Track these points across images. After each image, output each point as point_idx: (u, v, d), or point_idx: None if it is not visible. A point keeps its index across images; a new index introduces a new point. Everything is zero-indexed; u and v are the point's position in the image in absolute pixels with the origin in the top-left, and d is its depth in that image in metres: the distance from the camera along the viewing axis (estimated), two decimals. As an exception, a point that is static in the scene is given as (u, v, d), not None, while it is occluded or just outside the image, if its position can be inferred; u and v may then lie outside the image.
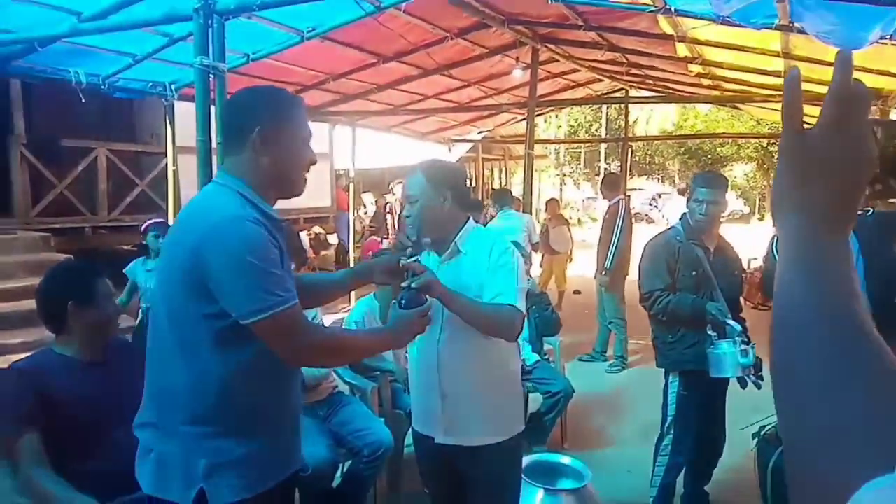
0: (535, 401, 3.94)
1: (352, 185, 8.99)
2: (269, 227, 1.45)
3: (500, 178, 19.14)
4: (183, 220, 1.54)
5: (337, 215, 11.12)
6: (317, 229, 10.77)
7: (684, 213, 2.97)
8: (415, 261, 1.82)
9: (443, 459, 2.11)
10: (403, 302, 1.73)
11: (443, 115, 8.86)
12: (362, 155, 9.12)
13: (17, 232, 6.59)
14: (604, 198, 6.27)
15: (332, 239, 11.36)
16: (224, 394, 1.43)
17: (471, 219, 2.09)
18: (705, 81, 7.12)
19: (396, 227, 9.32)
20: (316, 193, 10.58)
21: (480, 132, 10.77)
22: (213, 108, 2.79)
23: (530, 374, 3.88)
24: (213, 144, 2.81)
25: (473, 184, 18.20)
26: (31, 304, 5.37)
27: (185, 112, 6.04)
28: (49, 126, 7.53)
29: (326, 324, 3.27)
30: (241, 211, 1.43)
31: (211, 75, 2.73)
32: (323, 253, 10.68)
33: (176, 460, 1.45)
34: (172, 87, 5.70)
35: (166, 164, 6.54)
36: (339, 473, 2.96)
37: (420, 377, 2.12)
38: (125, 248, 7.81)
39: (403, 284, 1.77)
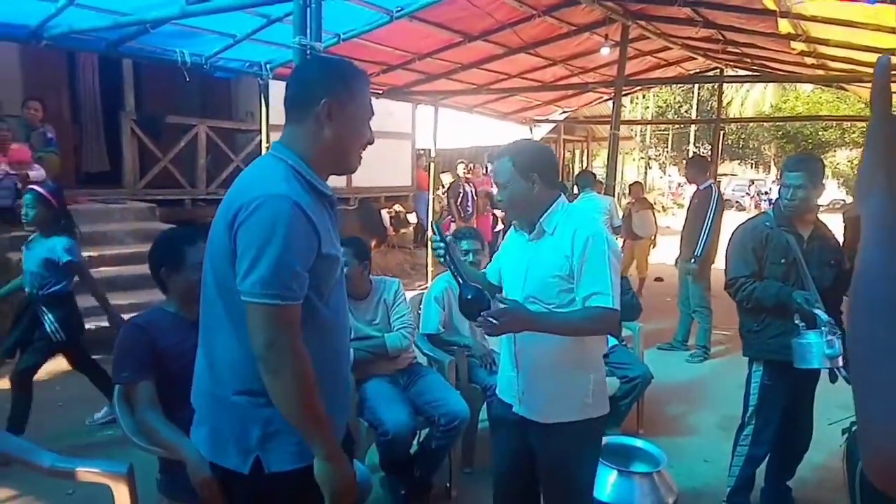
0: (612, 385, 3.91)
1: (432, 165, 9.09)
2: (314, 205, 1.42)
3: (582, 160, 18.77)
4: (232, 190, 1.48)
5: (416, 195, 11.30)
6: (397, 207, 10.99)
7: (777, 199, 2.85)
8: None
9: (516, 430, 2.15)
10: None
11: (525, 95, 8.76)
12: (443, 135, 9.19)
13: (126, 202, 7.15)
14: (689, 182, 6.04)
15: (412, 218, 11.56)
16: None
17: (561, 198, 2.09)
18: (808, 60, 6.68)
19: (458, 209, 9.40)
20: (397, 172, 10.80)
21: (563, 112, 10.57)
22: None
23: (607, 357, 3.83)
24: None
25: (554, 165, 17.94)
26: (139, 268, 5.87)
27: (279, 91, 6.33)
28: (155, 104, 8.07)
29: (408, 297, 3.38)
30: (285, 189, 1.38)
31: (308, 55, 2.85)
32: (402, 231, 10.89)
33: (231, 429, 1.47)
34: (268, 66, 5.96)
35: (260, 141, 6.87)
36: (415, 441, 3.07)
37: (503, 347, 2.18)
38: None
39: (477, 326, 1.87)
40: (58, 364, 4.89)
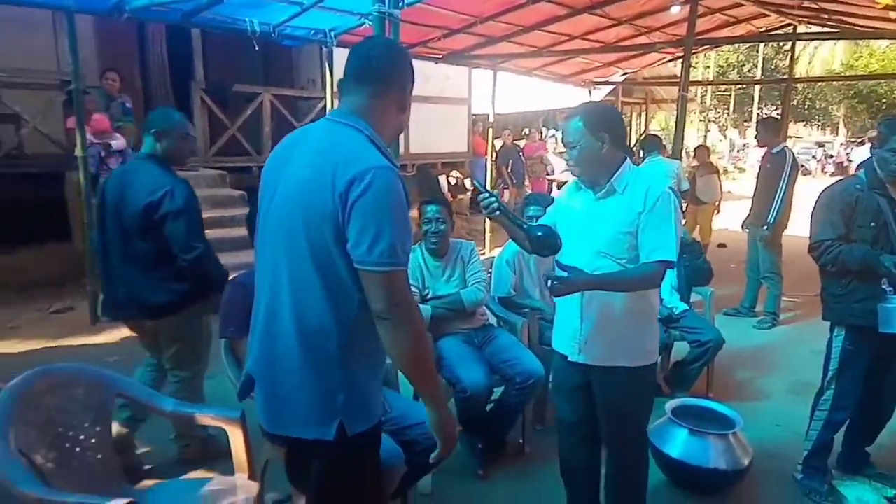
0: (682, 349, 3.93)
1: (490, 130, 9.05)
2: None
3: (640, 122, 18.27)
4: (325, 157, 1.47)
5: (473, 160, 11.30)
6: (455, 173, 11.03)
7: (868, 160, 2.76)
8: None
9: (576, 377, 2.30)
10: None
11: (586, 57, 8.58)
12: (500, 99, 9.11)
13: (199, 169, 7.42)
14: (760, 145, 5.83)
15: (469, 184, 11.58)
16: (363, 331, 1.48)
17: (628, 159, 2.18)
18: (893, 14, 6.29)
19: (509, 176, 9.37)
20: (453, 138, 10.80)
21: (623, 74, 10.30)
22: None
23: (678, 322, 3.86)
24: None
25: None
26: (216, 232, 6.11)
27: (342, 58, 6.42)
28: (222, 73, 8.27)
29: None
30: (385, 159, 1.46)
31: (386, 21, 2.90)
32: (460, 197, 10.94)
33: (315, 396, 1.50)
34: (332, 33, 6.03)
35: (322, 108, 7.00)
36: (491, 399, 3.17)
37: (566, 299, 2.25)
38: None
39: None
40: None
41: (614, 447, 2.34)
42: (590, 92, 10.39)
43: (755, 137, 6.44)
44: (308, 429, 1.52)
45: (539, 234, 2.09)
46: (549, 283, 2.02)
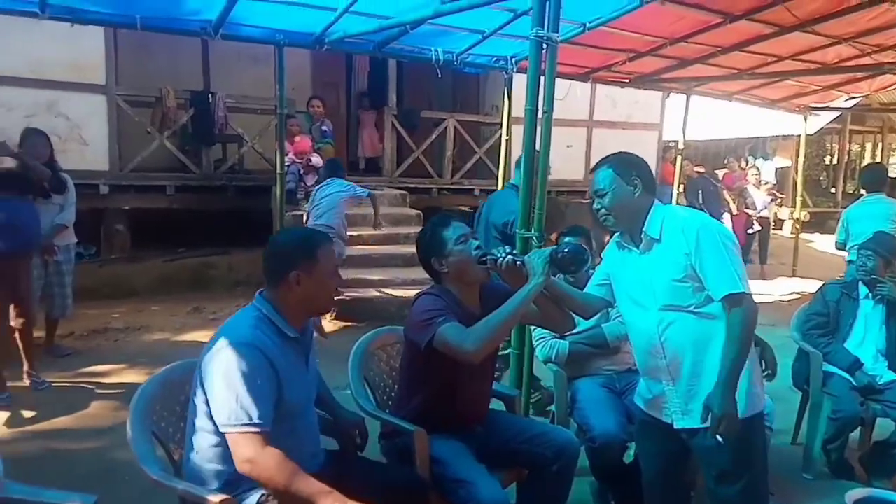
0: (884, 427, 3.25)
1: (679, 158, 8.44)
2: (277, 349, 1.78)
3: (874, 154, 15.82)
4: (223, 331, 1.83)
5: (659, 189, 10.60)
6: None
7: None
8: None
9: (677, 441, 2.15)
10: None
11: (800, 80, 7.62)
12: (696, 125, 8.46)
13: (384, 188, 7.96)
14: None
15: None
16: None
17: (655, 202, 2.10)
18: None
19: (700, 209, 8.48)
20: (640, 165, 10.28)
21: (850, 98, 8.95)
22: (542, 79, 2.90)
23: (881, 393, 3.21)
24: (539, 115, 2.93)
25: (835, 160, 15.42)
26: (390, 248, 6.50)
27: (522, 84, 6.45)
28: (414, 100, 8.83)
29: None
30: (250, 335, 1.76)
31: (545, 46, 2.82)
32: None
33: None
34: (513, 60, 6.09)
35: (500, 136, 7.09)
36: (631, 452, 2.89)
37: (647, 364, 2.16)
38: (462, 207, 8.77)
39: None
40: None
41: None
42: (805, 119, 9.22)
43: None
44: None
45: (565, 250, 2.06)
46: (721, 439, 1.94)
